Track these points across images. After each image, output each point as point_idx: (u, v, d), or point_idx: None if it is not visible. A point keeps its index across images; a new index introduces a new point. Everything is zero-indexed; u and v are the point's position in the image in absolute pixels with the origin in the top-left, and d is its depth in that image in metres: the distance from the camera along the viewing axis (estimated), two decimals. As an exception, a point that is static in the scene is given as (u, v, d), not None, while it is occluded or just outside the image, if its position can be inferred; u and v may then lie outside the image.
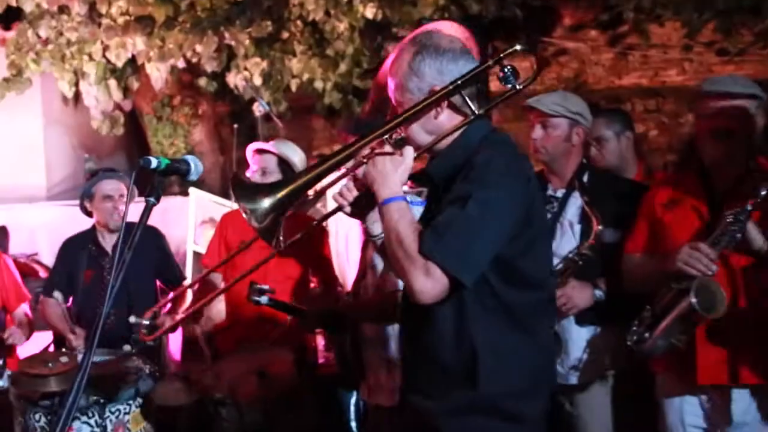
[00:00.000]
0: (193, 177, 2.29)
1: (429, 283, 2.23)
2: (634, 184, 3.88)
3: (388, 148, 2.46)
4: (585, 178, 3.60)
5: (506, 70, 2.44)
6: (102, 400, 3.73)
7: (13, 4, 7.55)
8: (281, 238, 2.42)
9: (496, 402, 2.37)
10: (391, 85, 2.53)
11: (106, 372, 3.84)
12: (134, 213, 2.33)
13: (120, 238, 2.22)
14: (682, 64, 9.78)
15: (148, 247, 4.55)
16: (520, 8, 8.28)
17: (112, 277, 2.02)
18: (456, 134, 2.46)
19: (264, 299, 3.69)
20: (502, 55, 2.45)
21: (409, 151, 2.43)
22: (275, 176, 4.42)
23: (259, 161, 4.46)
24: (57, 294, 4.66)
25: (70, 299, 4.74)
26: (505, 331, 2.39)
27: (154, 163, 2.20)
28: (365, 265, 3.73)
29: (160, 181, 2.20)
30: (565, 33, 9.94)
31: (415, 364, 2.55)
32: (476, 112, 2.43)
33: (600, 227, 3.36)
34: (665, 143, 9.84)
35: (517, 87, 2.45)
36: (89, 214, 4.74)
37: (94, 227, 4.76)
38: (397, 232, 2.31)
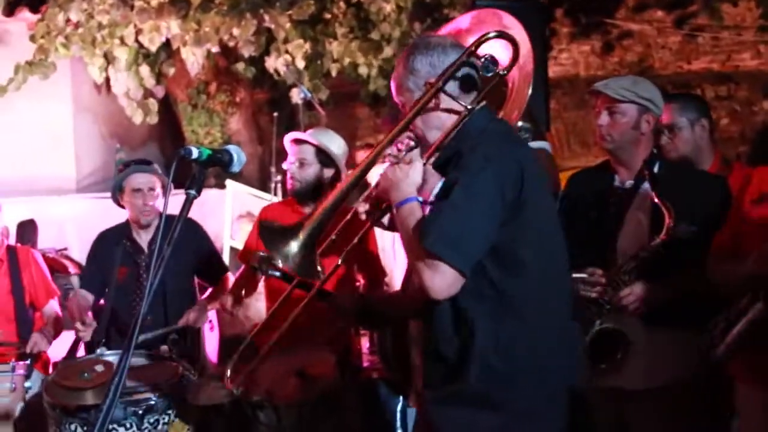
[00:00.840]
0: (236, 168, 2.30)
1: (437, 277, 2.42)
2: (712, 176, 3.80)
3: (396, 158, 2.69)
4: (656, 169, 3.55)
5: (483, 59, 2.61)
6: (140, 411, 3.75)
7: (43, -15, 7.66)
8: (319, 268, 2.71)
9: (488, 392, 2.52)
10: (393, 91, 2.78)
11: (143, 378, 3.88)
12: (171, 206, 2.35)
13: (159, 233, 2.25)
14: (757, 47, 9.63)
15: (186, 242, 4.56)
16: (581, -13, 8.22)
17: (150, 274, 2.04)
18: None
19: (265, 269, 3.68)
20: (473, 46, 2.64)
21: (415, 153, 2.66)
22: (314, 168, 4.43)
23: (297, 152, 4.47)
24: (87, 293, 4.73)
25: (101, 300, 4.79)
26: (502, 321, 2.53)
27: (195, 153, 2.21)
28: None
29: (201, 173, 2.21)
30: (629, 14, 9.83)
31: (425, 359, 2.74)
32: (467, 105, 2.61)
33: (672, 222, 3.32)
34: (737, 132, 9.71)
35: (500, 73, 2.63)
36: (123, 207, 4.79)
37: (128, 221, 4.81)
38: (406, 232, 2.53)
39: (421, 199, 2.60)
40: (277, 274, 3.65)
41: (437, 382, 2.66)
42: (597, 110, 3.65)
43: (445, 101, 2.64)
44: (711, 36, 9.60)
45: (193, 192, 2.19)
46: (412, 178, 2.60)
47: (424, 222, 2.49)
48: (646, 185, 3.50)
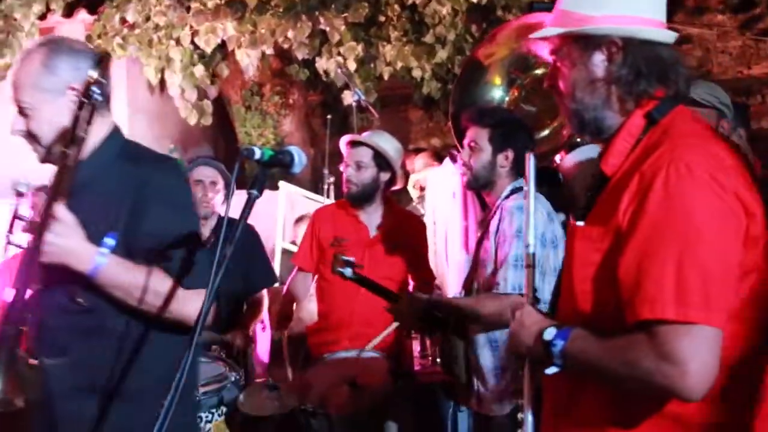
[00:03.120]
0: (296, 170, 2.29)
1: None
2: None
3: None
4: None
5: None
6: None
7: (100, -14, 7.78)
8: None
9: None
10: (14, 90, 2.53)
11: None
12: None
13: (215, 233, 2.23)
14: (821, 53, 9.44)
15: (239, 245, 4.59)
16: (639, -10, 8.11)
17: (212, 273, 2.04)
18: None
19: (348, 272, 3.68)
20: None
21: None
22: (371, 171, 4.43)
23: (353, 155, 4.46)
24: None
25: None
26: None
27: (257, 153, 2.20)
28: (477, 260, 3.69)
29: (263, 173, 2.20)
30: (687, 17, 9.70)
31: None
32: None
33: None
34: (798, 139, 9.53)
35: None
36: None
37: None
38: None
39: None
40: (350, 274, 3.67)
41: None
42: None
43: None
44: (773, 40, 9.45)
45: (255, 192, 2.17)
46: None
47: None
48: None
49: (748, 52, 9.64)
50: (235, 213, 2.24)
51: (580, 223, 2.05)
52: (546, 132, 4.46)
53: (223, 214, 4.56)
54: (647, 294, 1.81)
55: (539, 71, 3.68)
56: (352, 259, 3.72)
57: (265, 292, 4.95)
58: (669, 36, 2.09)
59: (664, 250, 1.82)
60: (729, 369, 1.85)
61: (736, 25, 9.55)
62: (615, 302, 1.89)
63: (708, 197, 1.84)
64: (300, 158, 2.28)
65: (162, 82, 8.75)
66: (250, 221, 4.80)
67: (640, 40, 2.04)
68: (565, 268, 2.12)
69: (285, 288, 4.78)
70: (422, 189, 6.89)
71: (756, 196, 1.91)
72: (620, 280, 1.87)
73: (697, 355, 1.77)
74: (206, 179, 4.71)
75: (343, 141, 4.56)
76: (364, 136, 4.52)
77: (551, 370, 1.98)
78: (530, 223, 2.30)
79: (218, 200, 4.72)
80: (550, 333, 1.98)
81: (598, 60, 2.06)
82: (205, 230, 4.79)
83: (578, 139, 3.95)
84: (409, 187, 7.57)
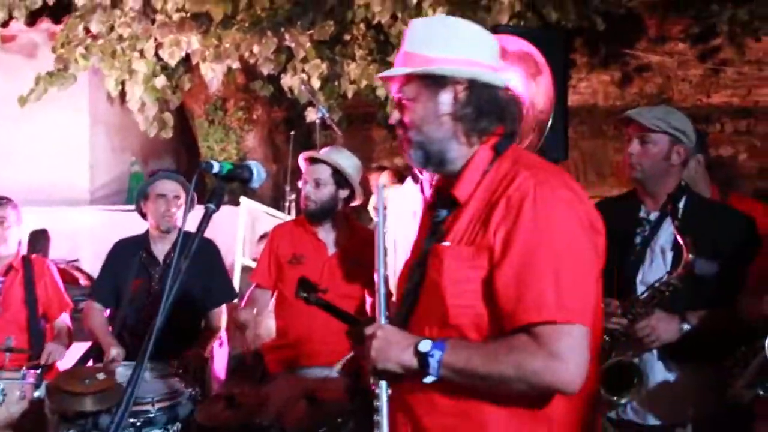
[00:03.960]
0: (255, 185, 2.30)
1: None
2: (739, 213, 3.78)
3: None
4: (682, 202, 3.54)
5: None
6: (138, 423, 3.75)
7: (65, -5, 7.73)
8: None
9: None
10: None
11: (144, 390, 3.87)
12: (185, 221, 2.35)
13: (177, 246, 2.23)
14: (779, 83, 9.62)
15: (198, 260, 4.58)
16: (602, 17, 8.22)
17: (167, 286, 2.04)
18: None
19: (313, 297, 3.68)
20: None
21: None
22: (329, 188, 4.42)
23: (312, 171, 4.46)
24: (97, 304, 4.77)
25: (108, 310, 4.81)
26: None
27: (216, 167, 2.21)
28: None
29: (221, 187, 2.21)
30: (649, 45, 9.85)
31: None
32: None
33: (691, 256, 3.29)
34: (756, 168, 9.68)
35: None
36: (144, 216, 4.81)
37: (147, 233, 4.82)
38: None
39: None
40: (314, 299, 3.67)
41: None
42: (628, 137, 3.65)
43: None
44: (733, 70, 9.60)
45: (212, 206, 2.18)
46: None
47: None
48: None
49: (708, 80, 9.78)
50: (194, 227, 2.24)
51: (446, 244, 2.21)
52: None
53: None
54: (531, 301, 2.03)
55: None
56: (317, 285, 3.73)
57: (224, 307, 4.92)
58: (504, 80, 2.31)
59: (540, 263, 2.05)
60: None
61: (696, 54, 9.71)
62: (490, 314, 2.11)
63: (572, 215, 2.10)
64: (259, 173, 2.29)
65: (123, 94, 8.69)
66: (210, 236, 4.80)
67: (483, 83, 2.25)
68: (429, 287, 2.25)
69: (242, 303, 4.76)
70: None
71: (600, 218, 2.19)
72: (499, 292, 2.08)
73: (578, 350, 2.02)
74: (169, 193, 4.69)
75: (302, 158, 4.56)
76: (323, 153, 4.52)
77: (429, 379, 2.14)
78: (381, 249, 2.42)
79: (180, 214, 4.70)
80: (425, 345, 2.14)
81: (445, 98, 2.25)
82: (167, 245, 4.77)
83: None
84: (370, 207, 7.58)
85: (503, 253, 2.08)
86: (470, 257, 2.14)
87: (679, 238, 3.36)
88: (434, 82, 2.24)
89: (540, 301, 2.02)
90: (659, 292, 3.37)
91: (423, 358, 2.13)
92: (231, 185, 2.29)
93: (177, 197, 4.69)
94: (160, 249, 4.78)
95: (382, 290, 2.42)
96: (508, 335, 2.06)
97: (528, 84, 3.49)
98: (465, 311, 2.14)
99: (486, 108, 2.24)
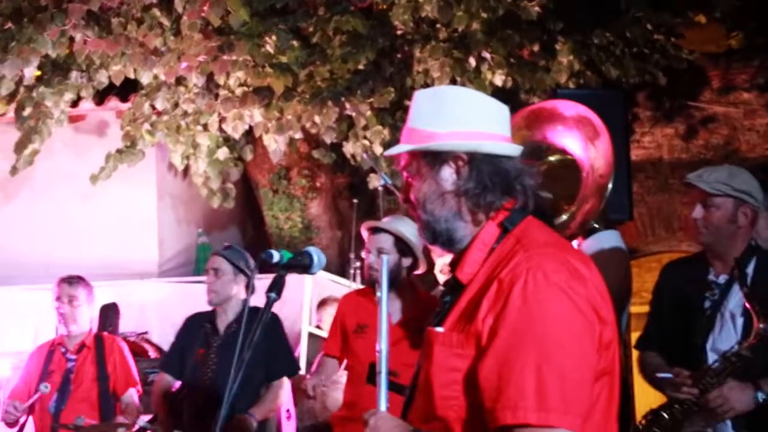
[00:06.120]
0: (315, 270, 2.35)
1: None
2: None
3: None
4: (751, 265, 3.46)
5: None
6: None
7: (131, 76, 7.96)
8: None
9: None
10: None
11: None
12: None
13: (237, 319, 2.26)
14: None
15: (264, 336, 4.65)
16: (663, 72, 8.20)
17: (231, 376, 2.09)
18: None
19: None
20: None
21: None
22: (393, 257, 4.44)
23: (374, 241, 4.49)
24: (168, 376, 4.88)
25: (179, 382, 4.91)
26: None
27: (276, 257, 2.28)
28: None
29: (281, 277, 2.27)
30: (714, 96, 9.77)
31: None
32: None
33: (762, 326, 3.20)
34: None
35: None
36: None
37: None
38: None
39: None
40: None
41: None
42: (692, 201, 3.61)
43: None
44: (801, 118, 9.47)
45: (273, 295, 2.26)
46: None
47: None
48: None
49: (776, 130, 9.66)
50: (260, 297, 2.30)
51: (440, 329, 2.07)
52: (564, 217, 4.50)
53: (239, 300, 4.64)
54: (509, 400, 1.86)
55: (553, 158, 3.75)
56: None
57: (286, 380, 4.96)
58: (512, 149, 2.18)
59: (523, 357, 1.87)
60: None
61: (763, 104, 9.60)
62: (475, 408, 1.95)
63: (564, 304, 1.90)
64: (319, 259, 2.35)
65: (187, 167, 8.87)
66: (277, 304, 4.89)
67: (484, 154, 2.12)
68: (422, 374, 2.16)
69: (312, 370, 4.80)
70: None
71: (608, 304, 1.99)
72: (481, 386, 1.91)
73: None
74: (210, 269, 4.87)
75: (364, 228, 4.60)
76: (384, 222, 4.56)
77: None
78: (383, 327, 2.37)
79: (224, 287, 4.81)
80: None
81: (447, 174, 2.15)
82: (230, 316, 4.86)
83: (595, 225, 3.97)
84: (436, 271, 7.57)
85: (488, 343, 1.93)
86: (459, 345, 2.00)
87: (748, 305, 3.28)
88: (434, 158, 2.15)
89: (517, 400, 1.85)
90: (731, 362, 3.29)
91: None
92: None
93: (216, 269, 4.81)
94: (223, 320, 4.89)
95: (384, 371, 2.40)
96: None
97: (587, 148, 3.49)
98: (451, 404, 2.00)
99: (490, 181, 2.11)
